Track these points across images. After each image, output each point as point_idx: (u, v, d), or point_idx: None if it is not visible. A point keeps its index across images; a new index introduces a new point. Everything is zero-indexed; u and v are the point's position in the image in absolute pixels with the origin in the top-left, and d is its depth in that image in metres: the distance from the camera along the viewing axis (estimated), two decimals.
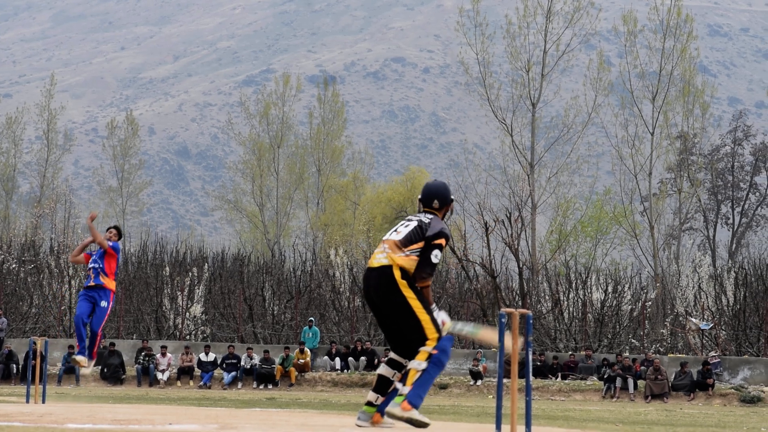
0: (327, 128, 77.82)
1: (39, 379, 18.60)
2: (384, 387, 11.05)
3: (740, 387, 35.68)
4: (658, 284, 51.89)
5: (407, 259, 10.85)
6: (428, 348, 10.76)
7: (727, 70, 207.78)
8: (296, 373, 38.14)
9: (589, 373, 37.88)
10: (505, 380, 10.29)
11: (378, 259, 10.92)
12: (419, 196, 11.36)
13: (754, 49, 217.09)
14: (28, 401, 17.79)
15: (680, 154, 66.35)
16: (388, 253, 10.88)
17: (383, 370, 11.05)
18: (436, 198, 11.29)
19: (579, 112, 64.59)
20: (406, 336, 10.81)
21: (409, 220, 11.16)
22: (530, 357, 10.82)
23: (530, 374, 10.86)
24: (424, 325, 10.76)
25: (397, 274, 10.81)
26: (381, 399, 11.04)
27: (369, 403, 11.04)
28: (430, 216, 11.13)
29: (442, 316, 11.07)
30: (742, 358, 38.83)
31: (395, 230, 11.08)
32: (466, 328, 11.35)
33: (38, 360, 18.75)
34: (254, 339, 43.55)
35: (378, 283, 10.84)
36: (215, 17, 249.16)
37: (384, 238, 11.07)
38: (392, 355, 11.09)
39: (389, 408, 10.62)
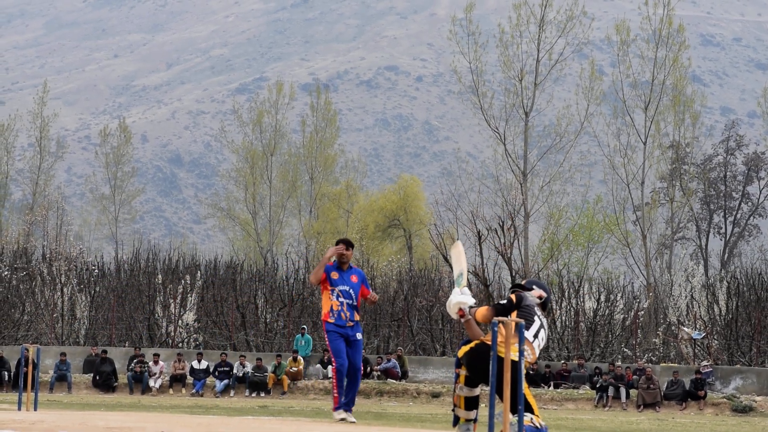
0: (320, 136, 77.86)
1: (31, 387, 18.58)
2: (476, 403, 11.81)
3: (732, 396, 35.70)
4: (650, 293, 51.92)
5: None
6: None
7: (719, 80, 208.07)
8: (289, 381, 38.11)
9: (581, 382, 37.88)
10: None
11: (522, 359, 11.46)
12: (545, 297, 12.16)
13: (747, 58, 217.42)
14: (19, 409, 17.75)
15: (672, 163, 66.41)
16: (528, 360, 11.63)
17: (474, 392, 11.74)
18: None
19: (571, 121, 64.61)
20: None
21: (543, 327, 11.98)
22: (522, 366, 10.82)
23: (522, 383, 10.87)
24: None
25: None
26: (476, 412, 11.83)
27: (469, 420, 11.77)
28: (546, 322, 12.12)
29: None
30: (734, 368, 38.86)
31: (536, 342, 11.82)
32: (461, 283, 11.94)
33: (30, 367, 18.71)
34: (247, 347, 43.52)
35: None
36: (208, 25, 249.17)
37: (533, 345, 11.74)
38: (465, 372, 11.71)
39: None
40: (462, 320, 11.75)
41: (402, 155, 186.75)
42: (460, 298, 11.74)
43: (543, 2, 63.85)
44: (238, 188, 78.89)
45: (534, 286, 12.08)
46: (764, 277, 45.15)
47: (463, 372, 11.65)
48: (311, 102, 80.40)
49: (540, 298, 11.98)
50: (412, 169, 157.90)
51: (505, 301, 11.71)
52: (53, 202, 78.94)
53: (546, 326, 11.89)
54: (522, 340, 10.96)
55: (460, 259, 12.26)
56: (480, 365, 11.42)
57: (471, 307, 11.70)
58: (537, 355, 11.75)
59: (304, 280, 47.52)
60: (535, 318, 11.70)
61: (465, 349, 11.62)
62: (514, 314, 11.57)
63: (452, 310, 11.76)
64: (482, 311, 11.55)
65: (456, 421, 11.80)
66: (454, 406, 11.80)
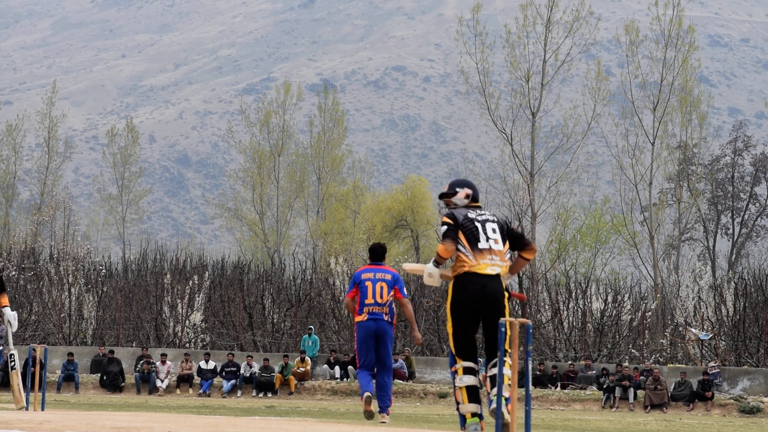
0: (327, 137, 77.85)
1: (38, 387, 18.60)
2: (477, 395, 11.76)
3: (739, 397, 35.67)
4: (657, 294, 51.87)
5: (506, 266, 11.84)
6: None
7: (727, 81, 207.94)
8: (296, 381, 38.13)
9: (588, 383, 37.86)
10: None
11: (493, 269, 11.66)
12: (471, 193, 12.05)
13: (755, 59, 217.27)
14: (27, 408, 17.78)
15: (680, 164, 66.34)
16: (502, 266, 11.73)
17: (473, 380, 11.70)
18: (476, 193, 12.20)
19: (578, 122, 64.59)
20: (494, 337, 11.65)
21: (486, 221, 11.85)
22: (530, 366, 10.83)
23: (530, 384, 10.87)
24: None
25: (504, 283, 11.77)
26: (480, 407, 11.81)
27: (475, 414, 11.66)
28: (486, 211, 12.04)
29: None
30: (742, 369, 38.82)
31: (492, 239, 11.77)
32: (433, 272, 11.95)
33: (37, 367, 18.74)
34: (254, 347, 43.55)
35: (498, 290, 11.64)
36: (216, 25, 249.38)
37: (491, 246, 11.72)
38: (467, 364, 11.71)
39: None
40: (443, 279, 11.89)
41: (409, 156, 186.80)
42: (431, 268, 11.85)
43: (549, 3, 63.81)
44: (245, 188, 78.92)
45: (456, 188, 12.12)
46: None
47: (459, 365, 11.68)
48: (319, 102, 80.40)
49: (467, 196, 12.04)
50: (419, 170, 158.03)
51: (445, 227, 11.73)
52: (61, 202, 79.07)
53: (489, 217, 11.88)
54: (530, 340, 10.93)
55: (416, 268, 12.43)
56: (463, 310, 11.64)
57: (435, 264, 11.79)
58: (504, 249, 11.74)
59: (312, 280, 47.57)
60: (476, 224, 11.75)
61: (448, 326, 11.78)
62: (461, 234, 11.66)
63: (435, 279, 11.85)
64: (441, 248, 11.61)
65: (463, 421, 11.77)
66: (458, 404, 11.77)
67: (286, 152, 77.16)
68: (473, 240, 11.64)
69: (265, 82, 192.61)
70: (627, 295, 45.79)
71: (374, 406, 15.88)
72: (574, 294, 44.06)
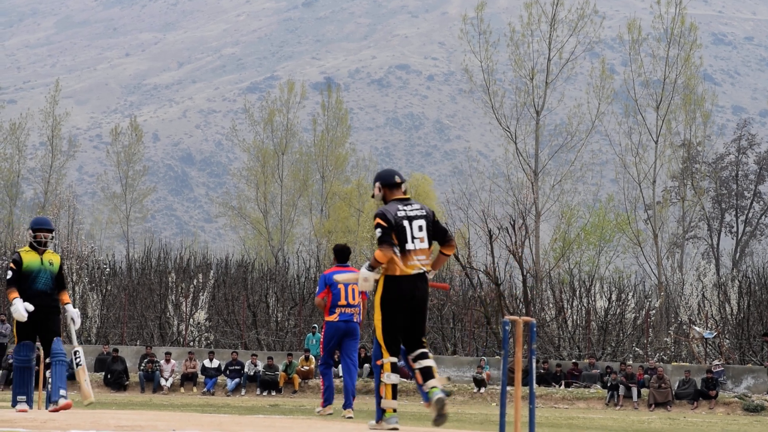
0: (331, 135, 77.84)
1: (42, 385, 18.60)
2: (397, 392, 11.81)
3: (744, 396, 35.66)
4: (661, 293, 51.85)
5: (431, 262, 11.89)
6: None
7: (731, 79, 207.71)
8: (300, 380, 38.13)
9: (592, 381, 37.87)
10: (508, 388, 10.47)
11: (420, 269, 11.67)
12: (399, 179, 11.98)
13: (759, 57, 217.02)
14: (31, 407, 17.79)
15: (684, 162, 66.27)
16: (426, 264, 11.72)
17: (398, 379, 11.75)
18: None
19: (582, 120, 64.50)
20: (420, 328, 11.73)
21: (414, 218, 11.73)
22: (534, 365, 10.84)
23: (534, 382, 10.88)
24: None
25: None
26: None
27: (395, 410, 11.70)
28: (415, 203, 11.90)
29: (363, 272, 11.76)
30: (746, 367, 38.81)
31: (418, 239, 11.70)
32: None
33: (42, 366, 18.75)
34: (258, 346, 43.56)
35: (425, 288, 11.73)
36: (220, 24, 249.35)
37: (416, 247, 11.68)
38: (394, 359, 11.74)
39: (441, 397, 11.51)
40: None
41: (413, 154, 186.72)
42: (366, 273, 11.75)
43: (554, 1, 63.77)
44: (249, 187, 78.92)
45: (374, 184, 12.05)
46: None
47: (387, 360, 11.67)
48: (322, 101, 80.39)
49: (380, 189, 11.90)
50: (423, 168, 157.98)
51: (380, 231, 11.57)
52: (65, 201, 78.98)
53: (418, 212, 11.73)
54: (533, 338, 10.95)
55: (349, 278, 12.55)
56: (395, 307, 11.63)
57: (370, 268, 11.67)
58: (428, 247, 11.68)
59: (315, 278, 47.54)
60: (404, 224, 11.62)
61: (377, 318, 11.68)
62: (393, 236, 11.53)
63: (370, 283, 11.76)
64: (379, 255, 11.51)
65: (381, 414, 11.74)
66: (380, 398, 11.73)
67: (289, 151, 77.16)
68: (402, 241, 11.61)
69: (268, 81, 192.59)
70: (631, 294, 45.81)
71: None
72: (578, 292, 44.07)
